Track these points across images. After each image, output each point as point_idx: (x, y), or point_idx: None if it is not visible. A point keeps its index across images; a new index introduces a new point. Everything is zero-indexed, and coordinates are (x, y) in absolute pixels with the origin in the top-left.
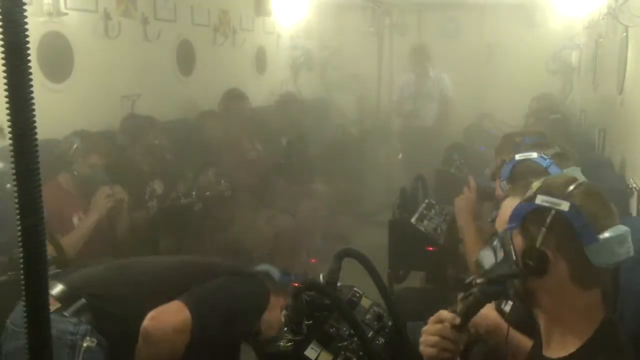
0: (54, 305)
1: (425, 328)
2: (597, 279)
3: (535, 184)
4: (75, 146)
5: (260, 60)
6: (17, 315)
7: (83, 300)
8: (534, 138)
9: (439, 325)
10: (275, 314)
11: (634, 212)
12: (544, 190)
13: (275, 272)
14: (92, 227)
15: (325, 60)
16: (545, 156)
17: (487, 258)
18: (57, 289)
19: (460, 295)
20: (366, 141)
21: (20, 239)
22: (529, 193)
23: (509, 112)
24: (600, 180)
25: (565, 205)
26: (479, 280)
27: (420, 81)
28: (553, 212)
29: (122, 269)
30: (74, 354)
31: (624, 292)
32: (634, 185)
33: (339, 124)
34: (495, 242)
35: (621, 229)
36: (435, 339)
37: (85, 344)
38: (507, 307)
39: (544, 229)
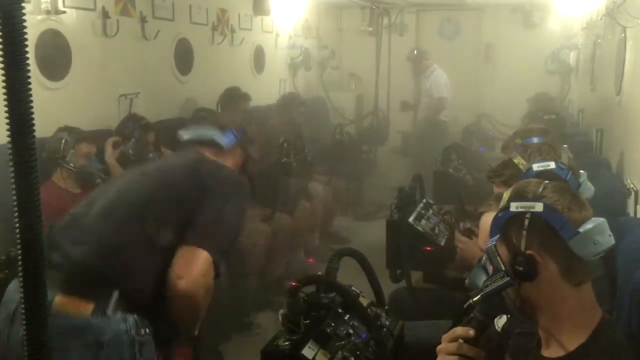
0: (85, 309)
1: (440, 347)
2: (586, 272)
3: (506, 194)
4: (64, 140)
5: (258, 59)
6: None
7: (115, 292)
8: (540, 137)
9: (455, 344)
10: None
11: (631, 212)
12: (516, 196)
13: (219, 135)
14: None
15: (324, 60)
16: (562, 165)
17: (479, 277)
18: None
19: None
20: (364, 141)
21: (18, 236)
22: (503, 203)
23: (507, 112)
24: (598, 181)
25: (539, 206)
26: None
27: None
28: (529, 214)
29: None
30: (134, 349)
31: (621, 291)
32: (632, 185)
33: (337, 124)
34: (484, 260)
35: (599, 219)
36: (454, 358)
37: (139, 337)
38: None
39: (524, 233)
